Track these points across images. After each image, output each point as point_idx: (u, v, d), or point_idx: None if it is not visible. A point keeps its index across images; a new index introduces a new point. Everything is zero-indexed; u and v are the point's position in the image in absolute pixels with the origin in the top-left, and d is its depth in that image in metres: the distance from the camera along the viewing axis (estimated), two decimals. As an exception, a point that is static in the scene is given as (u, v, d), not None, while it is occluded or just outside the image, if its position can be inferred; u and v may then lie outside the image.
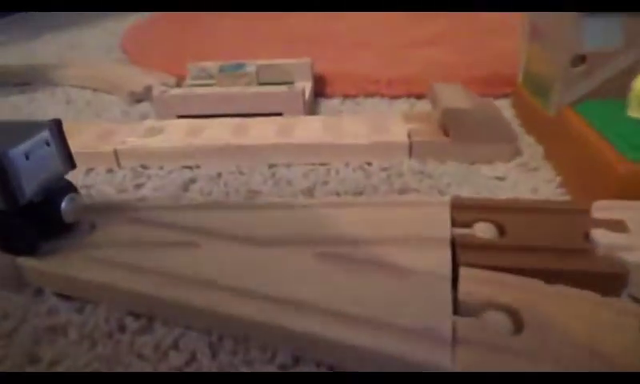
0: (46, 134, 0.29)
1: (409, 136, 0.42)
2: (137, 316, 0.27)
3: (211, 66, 0.56)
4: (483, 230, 0.29)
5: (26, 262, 0.29)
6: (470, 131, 0.40)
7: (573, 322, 0.22)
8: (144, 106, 0.59)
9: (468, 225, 0.30)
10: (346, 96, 0.57)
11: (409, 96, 0.56)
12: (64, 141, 0.30)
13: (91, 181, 0.42)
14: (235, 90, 0.49)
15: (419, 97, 0.56)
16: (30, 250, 0.29)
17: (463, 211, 0.31)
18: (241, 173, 0.42)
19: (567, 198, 0.35)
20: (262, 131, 0.44)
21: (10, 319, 0.28)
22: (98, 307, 0.28)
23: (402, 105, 0.54)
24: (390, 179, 0.39)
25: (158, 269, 0.28)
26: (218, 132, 0.45)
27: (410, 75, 0.57)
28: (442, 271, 0.26)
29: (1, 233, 0.29)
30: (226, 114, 0.49)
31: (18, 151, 0.27)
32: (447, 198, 0.32)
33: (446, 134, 0.41)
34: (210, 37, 0.86)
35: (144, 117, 0.56)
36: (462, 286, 0.25)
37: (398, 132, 0.43)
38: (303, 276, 0.27)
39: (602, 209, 0.29)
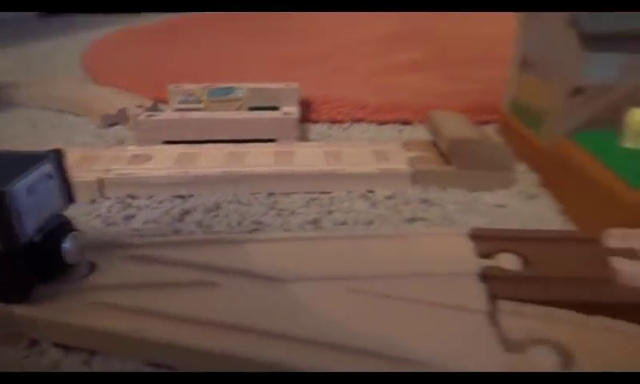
0: (48, 167, 0.26)
1: (411, 164, 0.42)
2: (156, 366, 0.25)
3: (195, 88, 0.53)
4: (507, 261, 0.29)
5: (19, 310, 0.26)
6: (475, 160, 0.40)
7: (620, 355, 0.22)
8: (118, 130, 0.56)
9: (489, 256, 0.30)
10: (333, 121, 0.57)
11: (395, 122, 0.56)
12: (65, 173, 0.27)
13: (73, 213, 0.38)
14: (228, 115, 0.47)
15: (405, 123, 0.56)
16: (24, 296, 0.26)
17: (484, 242, 0.30)
18: (240, 202, 0.40)
19: (572, 225, 0.36)
20: (258, 158, 0.43)
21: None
22: (109, 359, 0.25)
23: (390, 131, 0.55)
24: (396, 208, 0.39)
25: (175, 313, 0.26)
26: (212, 159, 0.43)
27: (399, 102, 0.58)
28: (478, 305, 0.25)
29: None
30: (214, 140, 0.47)
31: (20, 187, 0.24)
32: (464, 229, 0.31)
33: (448, 161, 0.41)
34: (181, 56, 0.83)
35: (120, 142, 0.53)
36: (505, 321, 0.24)
37: (399, 160, 0.42)
38: (335, 315, 0.25)
39: (615, 237, 0.30)
